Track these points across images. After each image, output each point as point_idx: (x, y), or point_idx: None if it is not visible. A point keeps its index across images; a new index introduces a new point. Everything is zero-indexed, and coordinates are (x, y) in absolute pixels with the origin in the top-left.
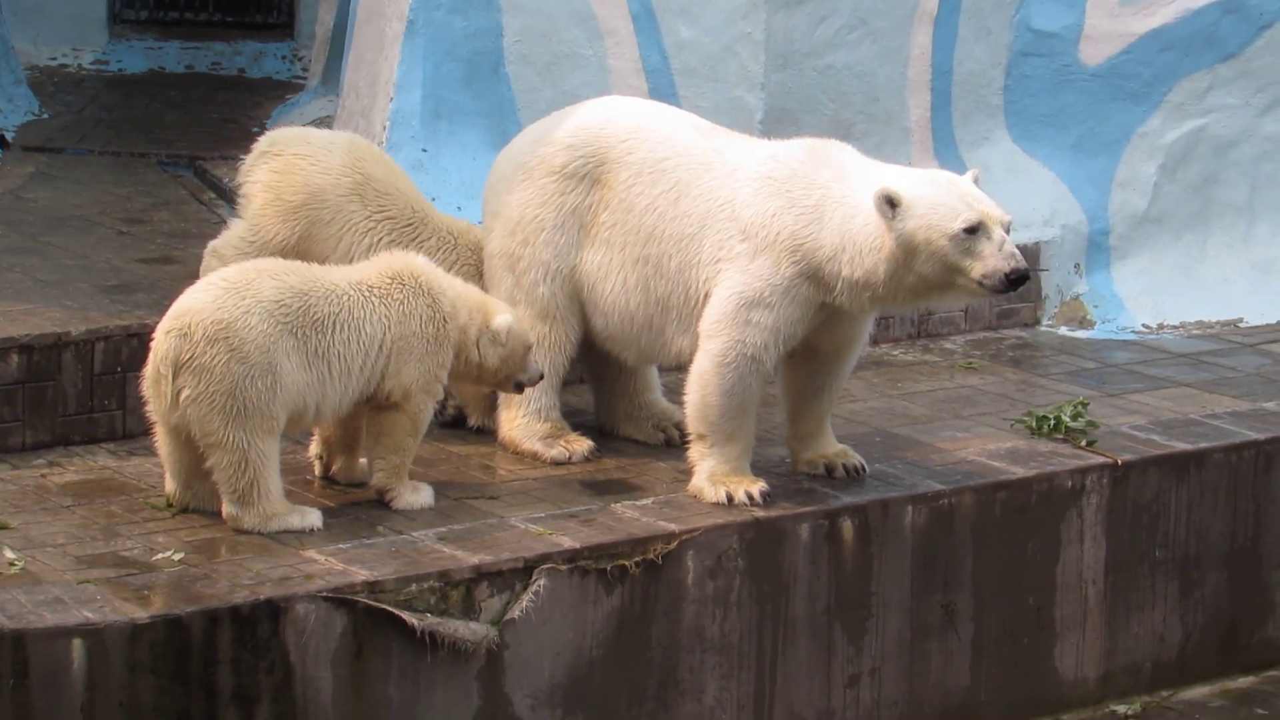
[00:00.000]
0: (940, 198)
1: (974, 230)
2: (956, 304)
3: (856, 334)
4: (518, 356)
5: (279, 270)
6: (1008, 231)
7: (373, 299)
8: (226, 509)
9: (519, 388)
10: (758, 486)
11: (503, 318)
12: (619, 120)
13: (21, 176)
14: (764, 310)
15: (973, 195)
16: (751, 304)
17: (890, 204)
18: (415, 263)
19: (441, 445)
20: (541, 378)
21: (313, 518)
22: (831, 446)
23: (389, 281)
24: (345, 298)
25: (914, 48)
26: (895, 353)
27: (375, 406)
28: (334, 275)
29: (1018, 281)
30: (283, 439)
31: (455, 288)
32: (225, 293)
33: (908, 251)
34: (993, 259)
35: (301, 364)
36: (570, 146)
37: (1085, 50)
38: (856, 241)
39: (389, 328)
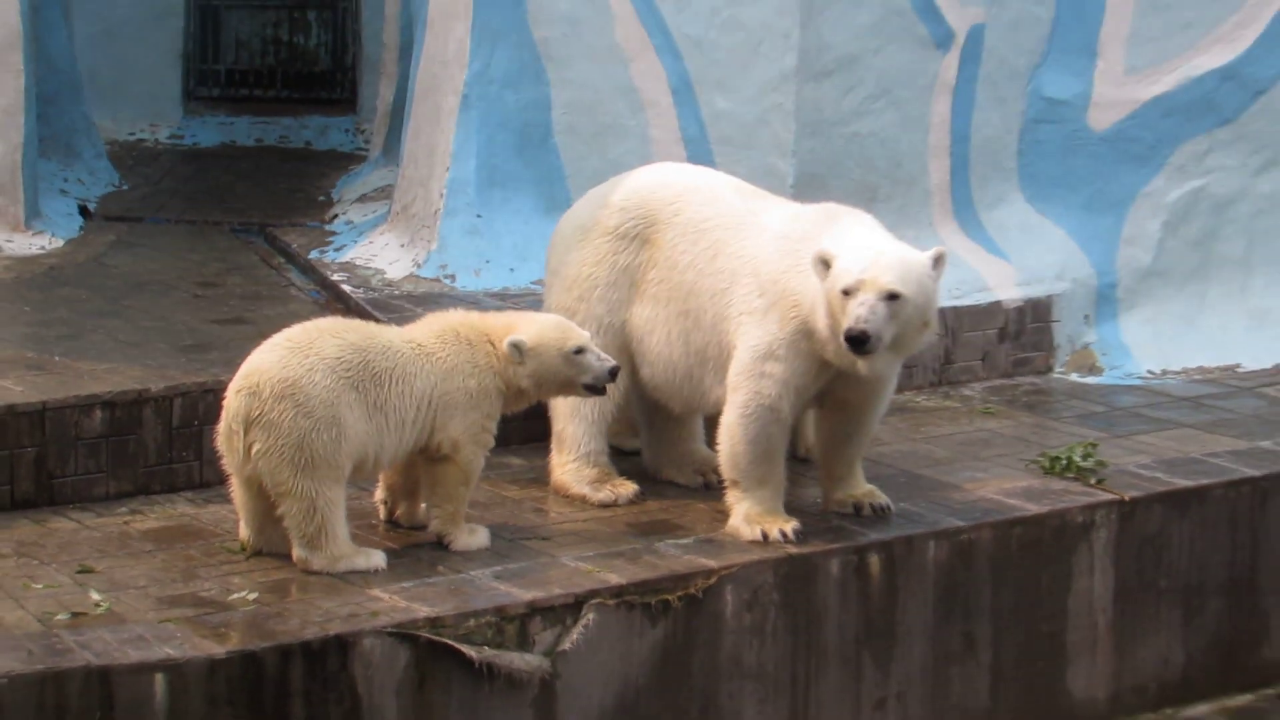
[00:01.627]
0: (844, 263)
1: (847, 292)
2: (864, 367)
3: (879, 387)
4: (556, 365)
5: (338, 329)
6: (889, 299)
7: (421, 356)
8: (297, 552)
9: (591, 390)
10: (791, 525)
11: (509, 339)
12: (668, 185)
13: (103, 244)
14: (775, 363)
15: (874, 263)
16: (764, 357)
17: (824, 265)
18: (458, 319)
19: (496, 490)
20: (613, 370)
21: (377, 559)
22: (860, 487)
23: (435, 339)
24: (399, 354)
25: (934, 116)
26: (918, 399)
27: (429, 458)
28: (389, 333)
29: (853, 340)
30: (349, 485)
31: (492, 329)
32: (290, 352)
33: (826, 307)
34: (847, 319)
35: (363, 415)
36: (623, 209)
37: (1093, 117)
38: (820, 299)
39: (435, 384)
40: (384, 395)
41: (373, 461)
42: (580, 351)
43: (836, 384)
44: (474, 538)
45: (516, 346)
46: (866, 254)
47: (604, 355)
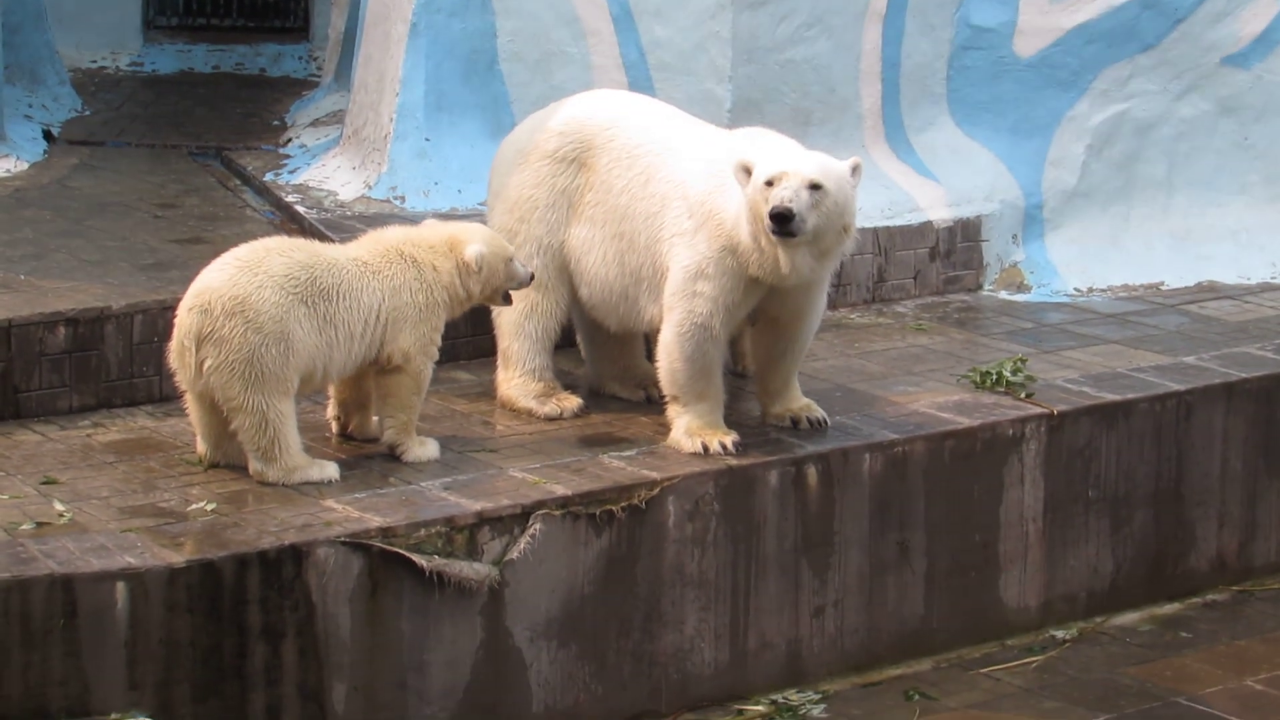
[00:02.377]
0: (766, 160)
1: (770, 183)
2: (786, 265)
3: (808, 303)
4: (500, 273)
5: (285, 247)
6: (811, 188)
7: (367, 274)
8: (252, 465)
9: (507, 299)
10: (730, 437)
11: (471, 249)
12: (603, 110)
13: (66, 167)
14: (705, 282)
15: (796, 156)
16: (695, 276)
17: (746, 171)
18: (398, 236)
19: (446, 404)
20: (531, 278)
21: (330, 470)
22: (796, 401)
23: (379, 257)
24: (345, 271)
25: (865, 43)
26: (852, 316)
27: (380, 370)
28: (334, 250)
29: (777, 217)
30: (302, 400)
31: (433, 244)
32: (239, 270)
33: (750, 212)
34: (770, 202)
35: (312, 330)
36: (561, 134)
37: (1019, 43)
38: (743, 210)
39: (383, 300)
40: (332, 310)
41: (321, 374)
42: (511, 260)
43: (768, 301)
44: (424, 449)
45: (481, 256)
46: (788, 151)
47: (524, 263)
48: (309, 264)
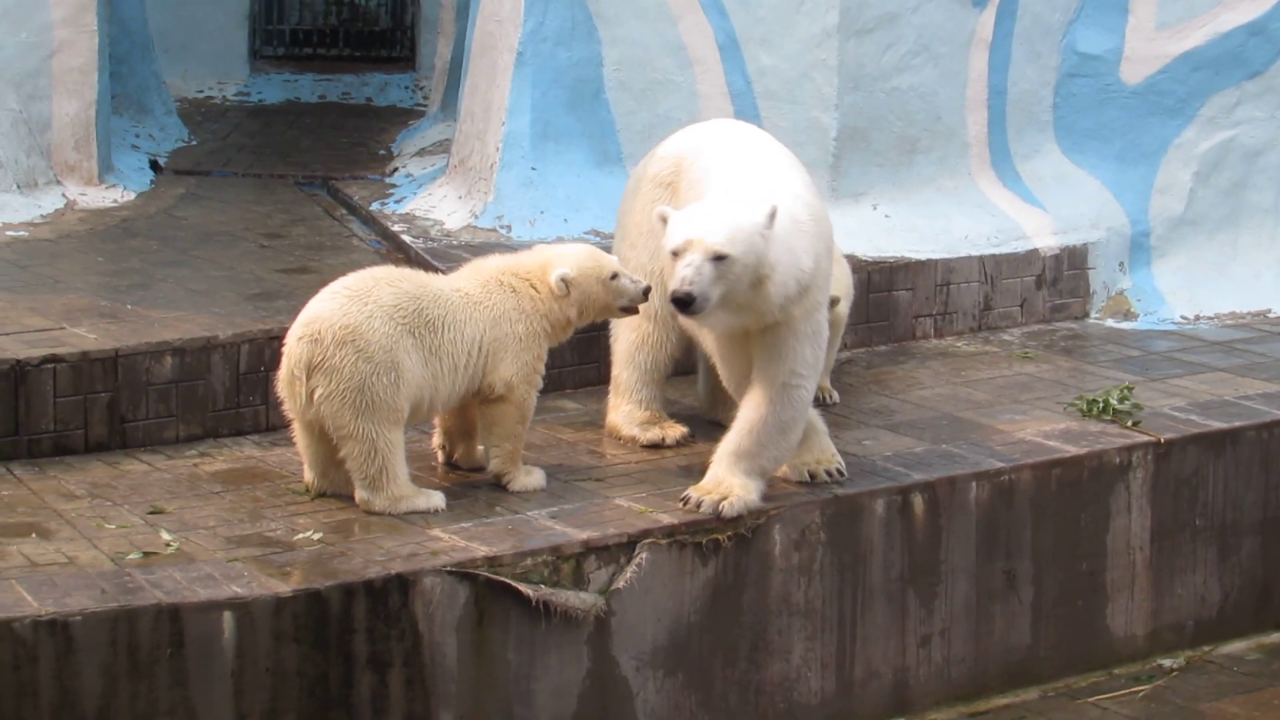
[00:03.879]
0: (674, 224)
1: (676, 254)
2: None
3: (778, 344)
4: (595, 291)
5: (393, 277)
6: (715, 259)
7: (469, 305)
8: (359, 494)
9: (628, 311)
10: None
11: (554, 274)
12: (698, 135)
13: (173, 197)
14: None
15: (702, 224)
16: None
17: (663, 223)
18: (498, 266)
19: (552, 433)
20: (646, 290)
21: (436, 499)
22: (810, 453)
23: (480, 287)
24: (449, 302)
25: (972, 70)
26: (959, 344)
27: (484, 400)
28: (439, 281)
29: (677, 301)
30: (408, 429)
31: (530, 271)
32: (349, 299)
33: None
34: (672, 280)
35: (419, 360)
36: (663, 158)
37: (1125, 71)
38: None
39: (485, 330)
40: (438, 341)
41: (428, 405)
42: (615, 277)
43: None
44: (530, 478)
45: (564, 280)
46: (697, 215)
47: (636, 278)
48: (416, 295)
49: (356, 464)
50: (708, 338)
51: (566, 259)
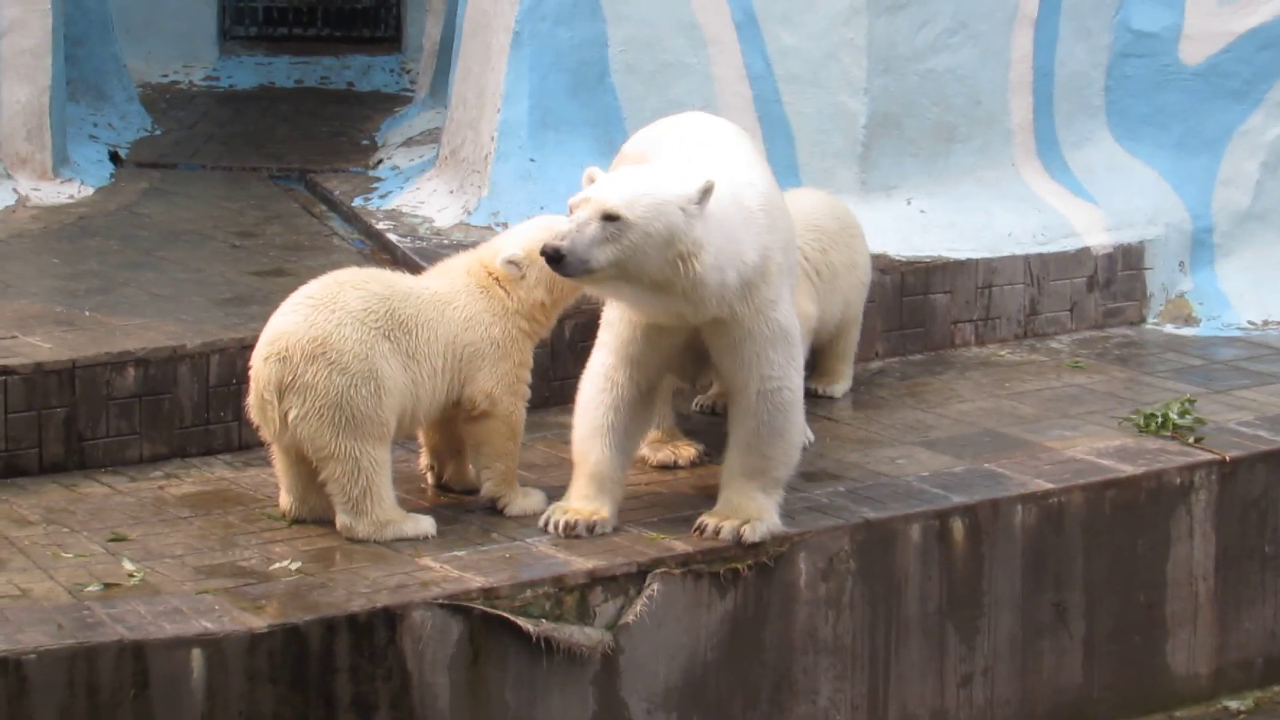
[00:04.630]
0: (591, 184)
1: (571, 210)
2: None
3: (731, 351)
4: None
5: (358, 279)
6: (606, 218)
7: (440, 303)
8: (340, 519)
9: None
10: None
11: (502, 257)
12: (663, 127)
13: (135, 192)
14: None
15: (608, 182)
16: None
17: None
18: (465, 262)
19: (552, 451)
20: None
21: (426, 524)
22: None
23: (449, 286)
24: (420, 300)
25: (1015, 50)
26: (1002, 353)
27: (468, 417)
28: (408, 280)
29: (547, 254)
30: (395, 448)
31: (494, 267)
32: (314, 309)
33: None
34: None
35: (399, 366)
36: (625, 154)
37: (1185, 50)
38: None
39: (457, 333)
40: (413, 343)
41: (410, 415)
42: None
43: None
44: (529, 500)
45: (513, 262)
46: (614, 177)
47: None
48: (385, 295)
49: (338, 486)
50: (634, 321)
51: (513, 238)
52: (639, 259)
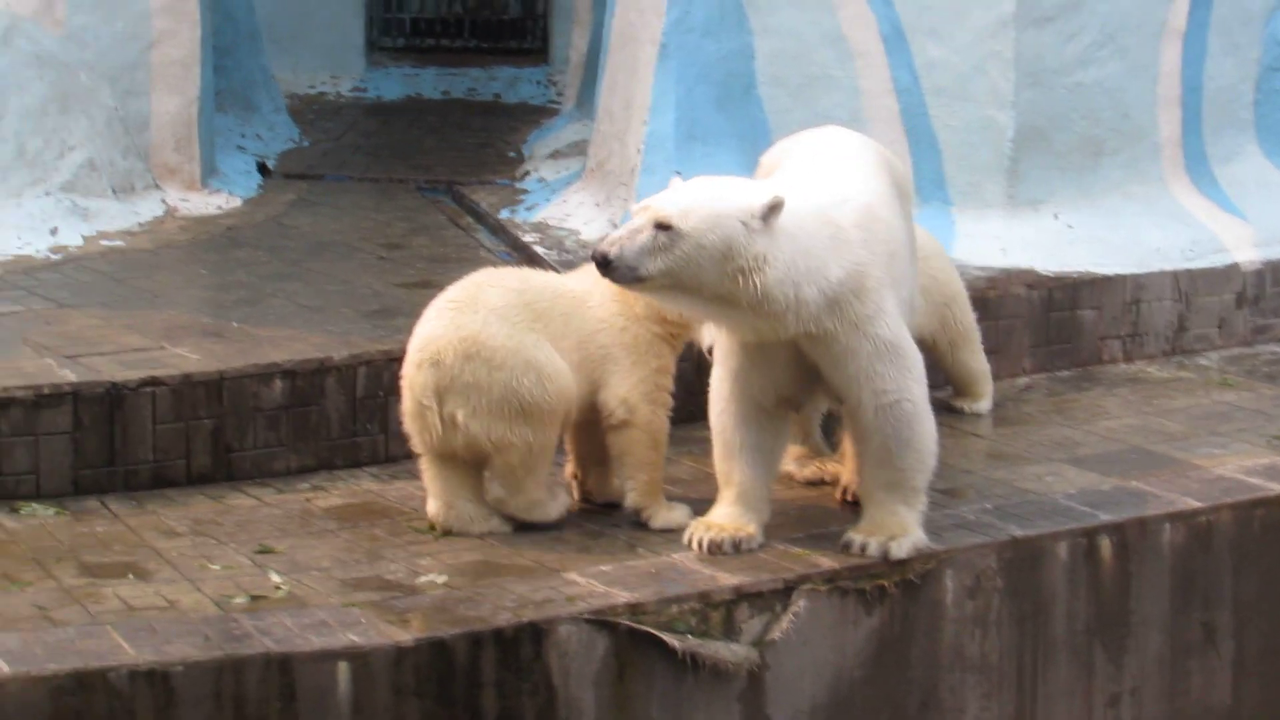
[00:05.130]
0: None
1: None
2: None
3: (836, 371)
4: None
5: (496, 279)
6: (659, 227)
7: (575, 301)
8: (495, 492)
9: None
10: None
11: None
12: (796, 139)
13: (283, 203)
14: None
15: (669, 191)
16: None
17: None
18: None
19: (700, 466)
20: None
21: (562, 505)
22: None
23: (588, 287)
24: (555, 295)
25: (1163, 64)
26: (1150, 369)
27: (608, 426)
28: (545, 277)
29: (595, 258)
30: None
31: None
32: (458, 311)
33: None
34: None
35: (550, 351)
36: (760, 164)
37: None
38: None
39: (590, 334)
40: (552, 334)
41: (569, 400)
42: None
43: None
44: (674, 514)
45: None
46: (680, 186)
47: None
48: (521, 290)
49: (506, 468)
50: (733, 343)
51: None
52: (693, 270)
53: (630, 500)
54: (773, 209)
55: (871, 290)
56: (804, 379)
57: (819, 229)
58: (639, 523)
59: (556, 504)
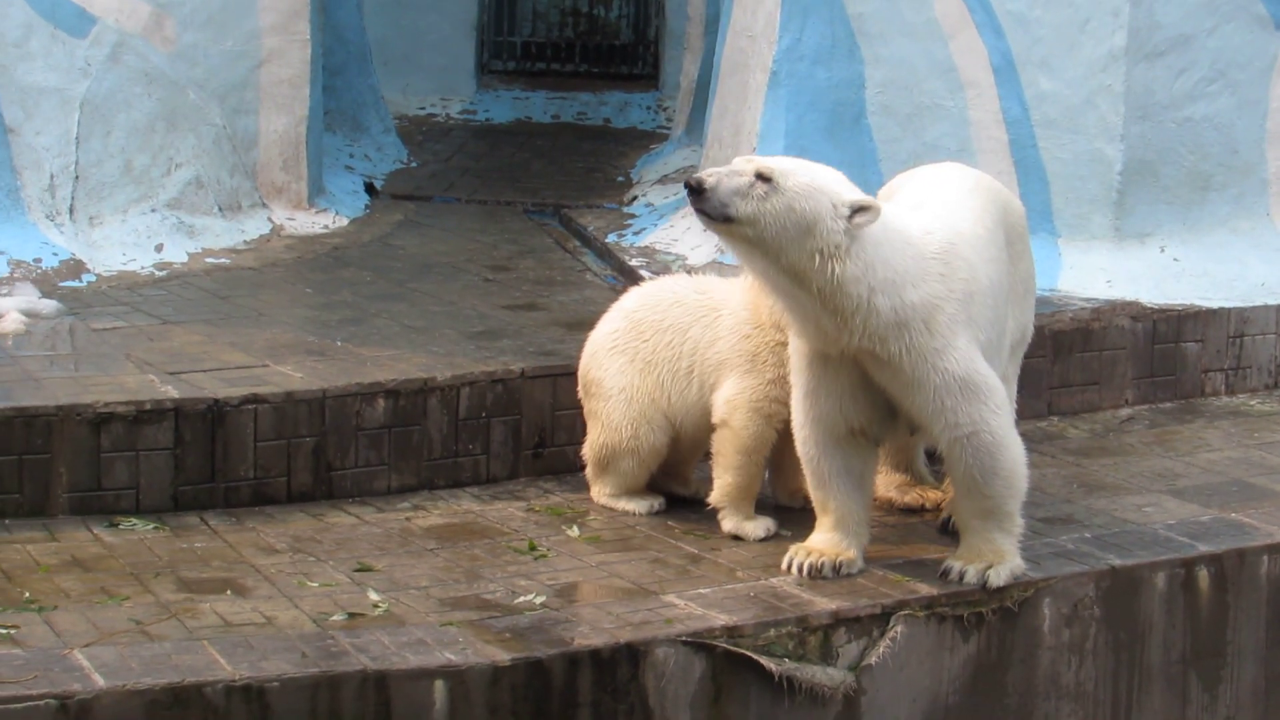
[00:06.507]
0: None
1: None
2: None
3: (905, 381)
4: None
5: (640, 294)
6: (758, 178)
7: (703, 308)
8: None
9: None
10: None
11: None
12: (914, 172)
13: (390, 224)
14: None
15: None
16: None
17: None
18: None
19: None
20: None
21: (645, 504)
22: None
23: (726, 296)
24: (681, 307)
25: (1273, 100)
26: (1252, 403)
27: (713, 425)
28: (695, 284)
29: (688, 185)
30: None
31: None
32: (592, 336)
33: None
34: None
35: (637, 374)
36: (878, 196)
37: None
38: None
39: (711, 340)
40: (650, 348)
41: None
42: None
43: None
44: (747, 524)
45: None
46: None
47: None
48: (634, 310)
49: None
50: (804, 351)
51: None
52: (775, 230)
53: (713, 497)
54: (864, 209)
55: (942, 325)
56: (874, 409)
57: (902, 248)
58: (742, 547)
59: (638, 503)
